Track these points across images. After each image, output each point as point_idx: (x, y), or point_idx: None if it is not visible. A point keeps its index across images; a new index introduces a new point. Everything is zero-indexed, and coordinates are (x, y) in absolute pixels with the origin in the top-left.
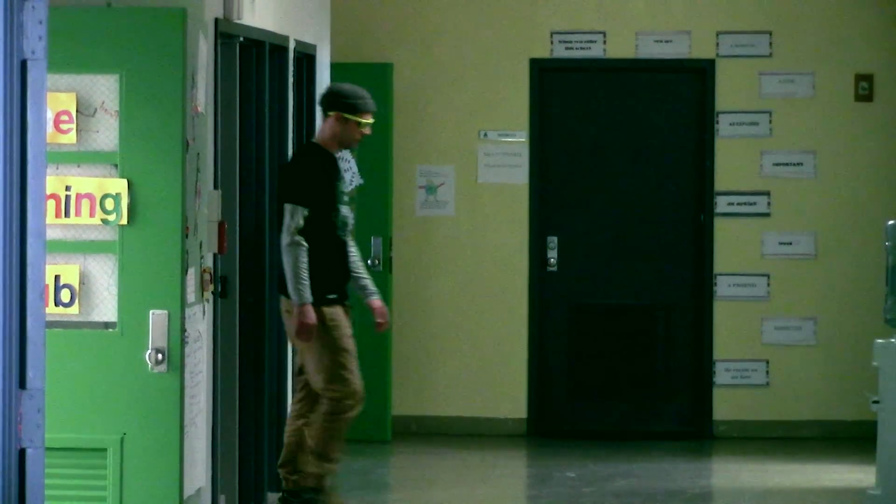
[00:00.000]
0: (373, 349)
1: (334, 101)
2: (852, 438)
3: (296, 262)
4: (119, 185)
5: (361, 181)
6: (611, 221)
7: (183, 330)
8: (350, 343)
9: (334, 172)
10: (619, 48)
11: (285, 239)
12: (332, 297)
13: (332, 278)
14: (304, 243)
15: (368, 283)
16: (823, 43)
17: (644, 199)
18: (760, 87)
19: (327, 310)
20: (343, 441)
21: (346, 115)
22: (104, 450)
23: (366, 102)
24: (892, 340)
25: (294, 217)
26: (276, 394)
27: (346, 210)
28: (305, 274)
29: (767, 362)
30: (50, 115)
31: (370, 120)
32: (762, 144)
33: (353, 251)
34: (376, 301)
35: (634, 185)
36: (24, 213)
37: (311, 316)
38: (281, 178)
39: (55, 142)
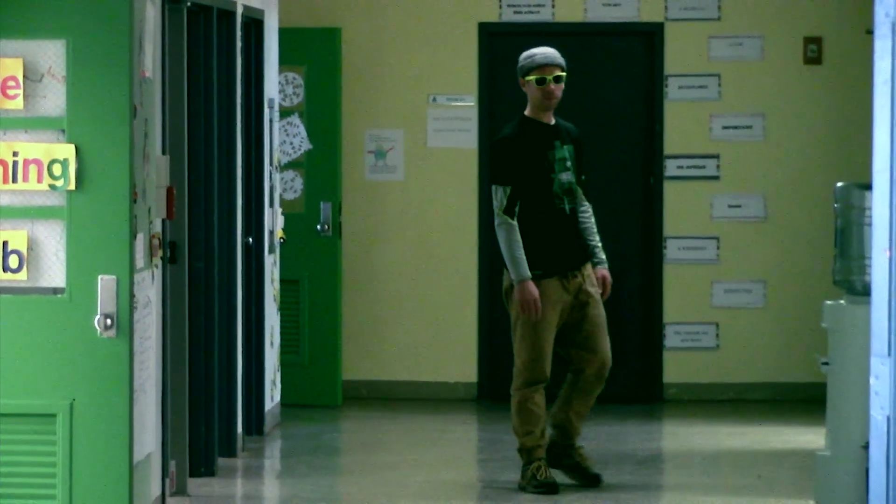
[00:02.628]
0: (323, 314)
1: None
2: (802, 400)
3: (506, 242)
4: (67, 151)
5: (310, 146)
6: None
7: (132, 295)
8: (547, 319)
9: (541, 141)
10: (568, 12)
11: (495, 220)
12: (537, 272)
13: (540, 252)
14: (511, 221)
15: (597, 250)
16: (772, 6)
17: (593, 162)
18: (709, 50)
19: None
20: (539, 419)
21: (524, 79)
22: (53, 415)
23: (532, 59)
24: (841, 302)
25: (496, 197)
26: (225, 359)
27: (565, 176)
28: (519, 252)
29: (717, 325)
30: None
31: (548, 74)
32: (711, 108)
33: (585, 216)
34: (600, 270)
35: None
36: None
37: (532, 292)
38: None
39: (2, 107)
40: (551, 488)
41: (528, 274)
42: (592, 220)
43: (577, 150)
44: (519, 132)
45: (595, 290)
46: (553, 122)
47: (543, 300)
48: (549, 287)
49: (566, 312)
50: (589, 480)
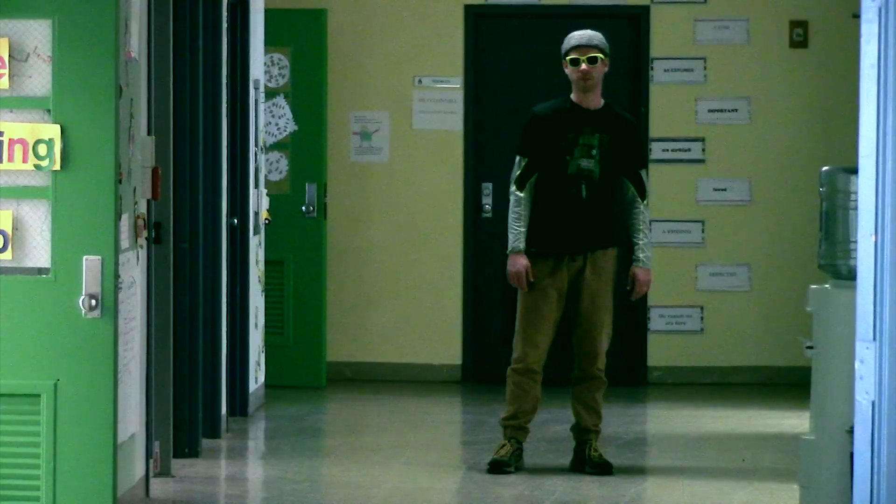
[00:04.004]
0: (307, 295)
1: None
2: (786, 384)
3: (510, 212)
4: (52, 131)
5: (295, 127)
6: None
7: (116, 276)
8: (536, 303)
9: (567, 123)
10: None
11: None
12: (531, 250)
13: (539, 231)
14: (519, 193)
15: (637, 249)
16: None
17: None
18: (695, 33)
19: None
20: (521, 399)
21: (564, 60)
22: (37, 396)
23: (569, 41)
24: (826, 286)
25: (514, 166)
26: (210, 340)
27: (585, 163)
28: (517, 223)
29: (702, 308)
30: None
31: (582, 54)
32: (697, 91)
33: (634, 212)
34: (633, 269)
35: None
36: None
37: (515, 264)
38: None
39: None
40: (494, 467)
41: (520, 246)
42: (640, 217)
43: (619, 141)
44: (548, 111)
45: (597, 281)
46: (598, 106)
47: (537, 280)
48: (540, 268)
49: (563, 297)
50: (599, 469)
